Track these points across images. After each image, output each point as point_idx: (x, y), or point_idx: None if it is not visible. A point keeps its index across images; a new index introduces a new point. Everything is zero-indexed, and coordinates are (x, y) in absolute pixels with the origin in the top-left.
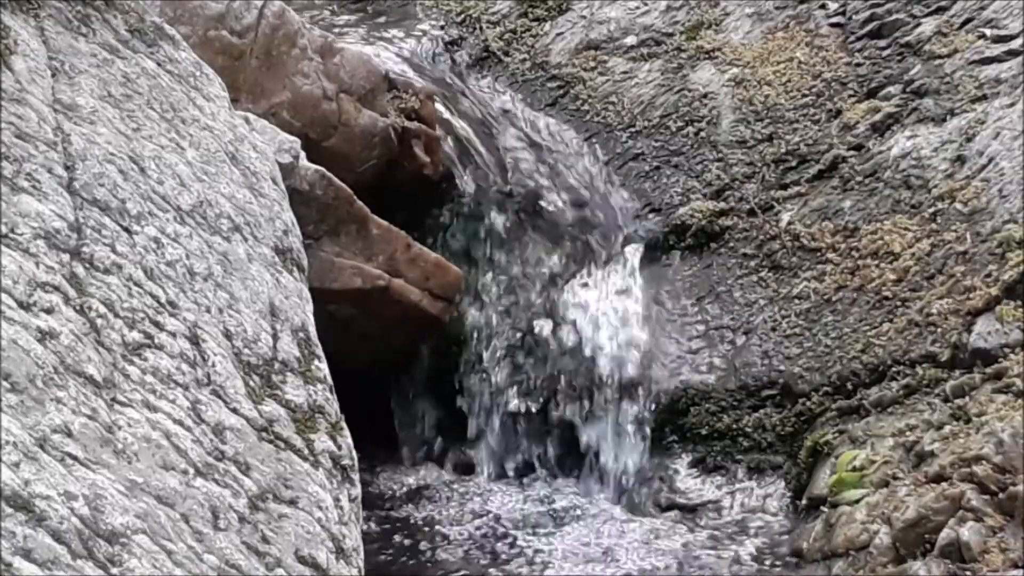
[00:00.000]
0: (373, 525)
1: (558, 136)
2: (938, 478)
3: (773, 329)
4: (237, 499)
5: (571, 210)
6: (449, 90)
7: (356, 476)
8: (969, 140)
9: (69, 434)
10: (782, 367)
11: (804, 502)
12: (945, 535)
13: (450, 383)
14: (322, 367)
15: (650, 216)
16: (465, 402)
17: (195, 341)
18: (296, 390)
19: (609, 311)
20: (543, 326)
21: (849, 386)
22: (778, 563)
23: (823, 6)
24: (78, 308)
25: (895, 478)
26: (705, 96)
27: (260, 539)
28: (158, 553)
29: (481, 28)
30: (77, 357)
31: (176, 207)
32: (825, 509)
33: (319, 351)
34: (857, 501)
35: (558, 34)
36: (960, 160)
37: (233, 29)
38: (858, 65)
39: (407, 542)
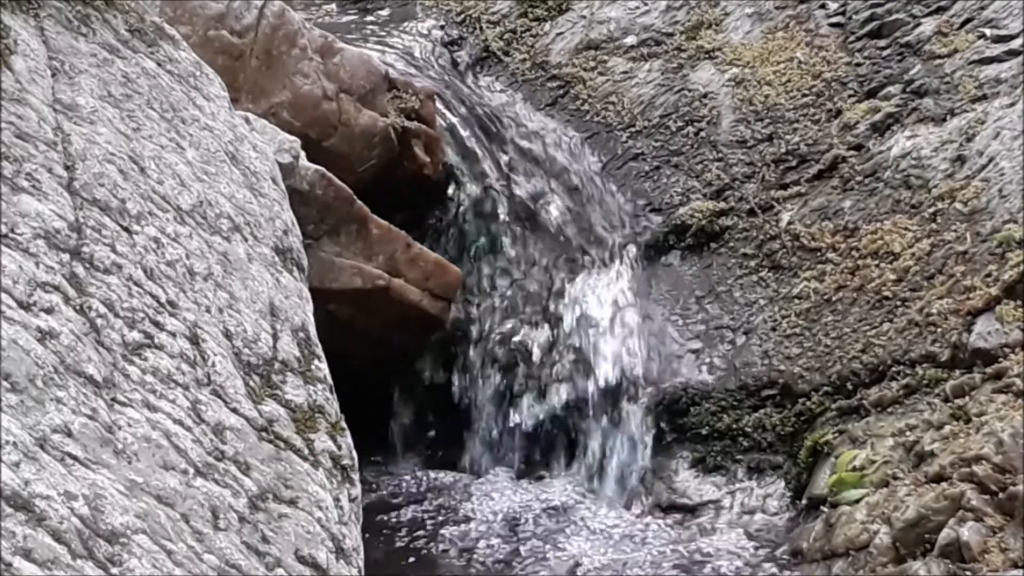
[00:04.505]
0: (373, 525)
1: (558, 136)
2: (938, 478)
3: (773, 329)
4: (237, 499)
5: (571, 210)
6: (449, 90)
7: (356, 476)
8: (969, 140)
9: (69, 434)
10: (782, 367)
11: (804, 502)
12: (945, 535)
13: (450, 383)
14: (322, 367)
15: (650, 216)
16: (465, 402)
17: (195, 341)
18: (296, 390)
19: (609, 310)
20: (543, 326)
21: (849, 386)
22: (778, 563)
23: (823, 6)
24: (78, 308)
25: (895, 478)
26: (705, 96)
27: (260, 539)
28: (158, 553)
29: (481, 28)
30: (77, 357)
31: (176, 207)
32: (825, 509)
33: (319, 351)
34: (857, 501)
35: (558, 34)
36: (960, 160)
37: (233, 29)
38: (858, 65)
39: (407, 542)
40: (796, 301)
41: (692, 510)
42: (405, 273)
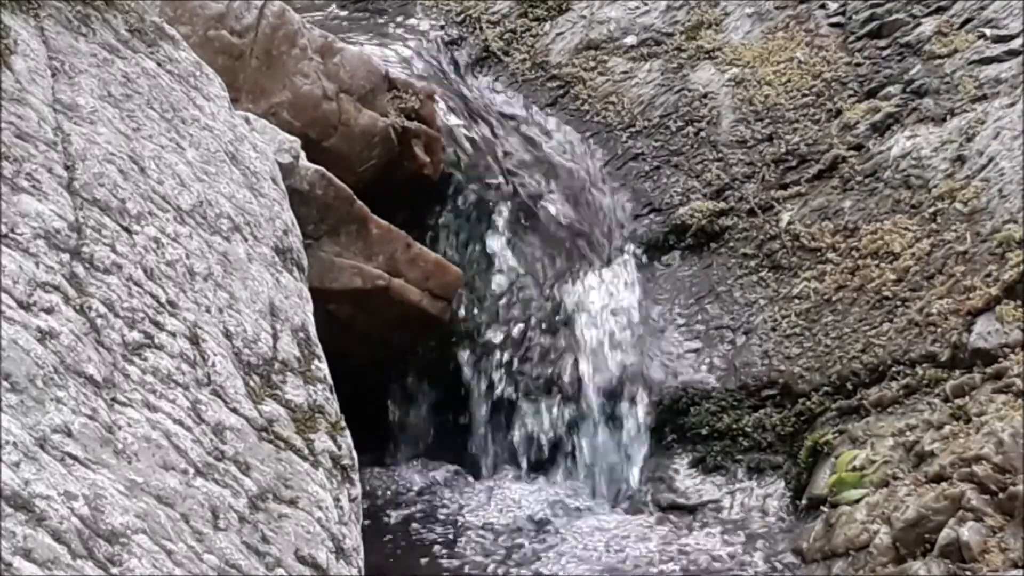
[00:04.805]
0: (373, 525)
1: (558, 136)
2: (938, 478)
3: (773, 329)
4: (237, 499)
5: (571, 210)
6: (449, 90)
7: (356, 476)
8: (969, 140)
9: (69, 434)
10: (782, 367)
11: (804, 502)
12: (945, 535)
13: (449, 383)
14: (322, 367)
15: (650, 216)
16: (464, 402)
17: (195, 341)
18: (296, 390)
19: (609, 311)
20: (543, 326)
21: (849, 386)
22: (778, 563)
23: (823, 6)
24: (78, 308)
25: (895, 478)
26: (705, 96)
27: (260, 539)
28: (158, 553)
29: (481, 28)
30: (77, 357)
31: (176, 207)
32: (825, 509)
33: (319, 351)
34: (857, 501)
35: (558, 34)
36: (960, 160)
37: (233, 29)
38: (858, 65)
39: (407, 542)
40: (796, 301)
41: (692, 510)
42: (405, 273)
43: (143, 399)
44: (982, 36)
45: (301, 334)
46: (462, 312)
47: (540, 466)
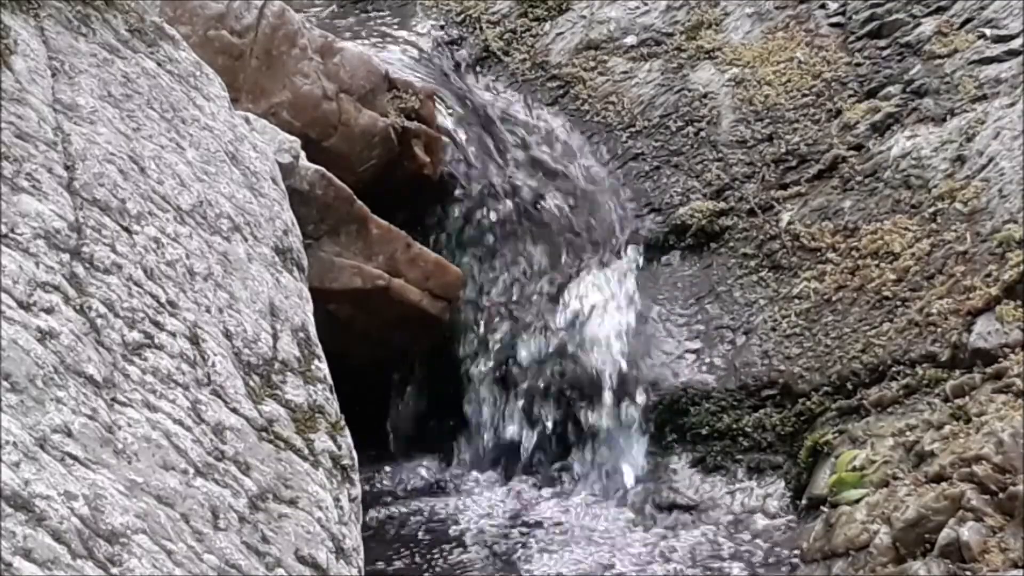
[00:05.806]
0: (372, 525)
1: (558, 136)
2: (938, 478)
3: (773, 329)
4: (237, 499)
5: (571, 209)
6: (449, 90)
7: (356, 476)
8: (969, 140)
9: (69, 434)
10: (782, 367)
11: (804, 502)
12: (945, 535)
13: (449, 382)
14: (322, 367)
15: (650, 216)
16: (464, 401)
17: (195, 341)
18: (296, 390)
19: (609, 310)
20: (542, 325)
21: (849, 386)
22: (778, 563)
23: (823, 6)
24: (78, 308)
25: (895, 478)
26: (705, 96)
27: (260, 539)
28: (158, 553)
29: (481, 28)
30: (77, 357)
31: (176, 207)
32: (825, 509)
33: (319, 351)
34: (857, 501)
35: (558, 34)
36: (960, 160)
37: (233, 29)
38: (858, 65)
39: (407, 542)
40: (796, 301)
41: (692, 510)
42: (405, 273)
43: (143, 399)
44: (982, 36)
45: (301, 334)
46: (462, 312)
47: (540, 466)
